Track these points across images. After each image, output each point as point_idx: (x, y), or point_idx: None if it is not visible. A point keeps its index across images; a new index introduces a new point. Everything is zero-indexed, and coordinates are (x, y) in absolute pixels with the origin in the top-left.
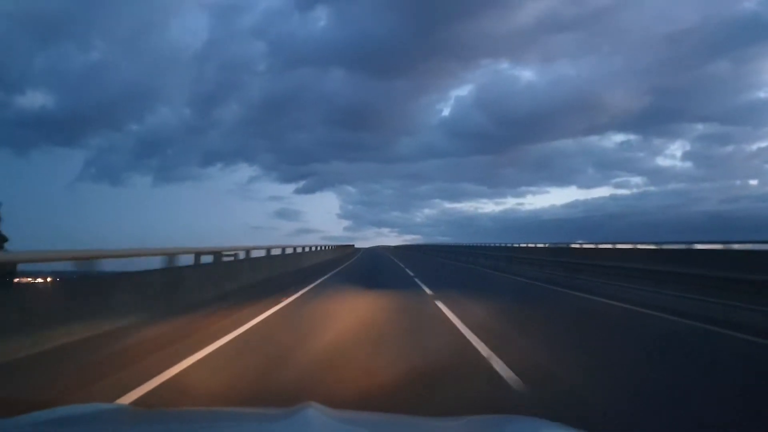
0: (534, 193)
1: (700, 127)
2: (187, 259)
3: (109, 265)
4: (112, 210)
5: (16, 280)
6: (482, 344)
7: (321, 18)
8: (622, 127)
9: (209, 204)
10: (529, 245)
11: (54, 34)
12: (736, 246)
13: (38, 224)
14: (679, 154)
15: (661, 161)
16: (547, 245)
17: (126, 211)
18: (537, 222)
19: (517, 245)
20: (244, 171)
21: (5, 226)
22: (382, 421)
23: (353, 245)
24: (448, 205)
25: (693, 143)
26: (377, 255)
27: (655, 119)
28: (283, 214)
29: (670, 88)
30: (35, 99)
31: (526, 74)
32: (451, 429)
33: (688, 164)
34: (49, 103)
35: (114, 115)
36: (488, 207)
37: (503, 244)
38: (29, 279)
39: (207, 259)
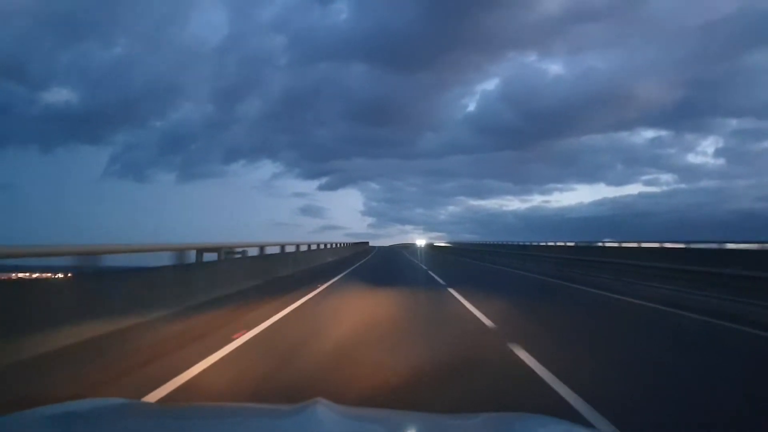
0: (561, 190)
1: (734, 122)
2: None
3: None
4: (137, 206)
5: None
6: None
7: (342, 11)
8: (652, 123)
9: (233, 201)
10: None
11: (76, 30)
12: None
13: (63, 219)
14: (711, 150)
15: (693, 158)
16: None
17: (152, 207)
18: (564, 220)
19: (568, 244)
20: (267, 168)
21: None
22: (391, 418)
23: (368, 242)
24: (473, 202)
25: (727, 139)
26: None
27: (688, 114)
28: (307, 211)
29: (703, 81)
30: (59, 96)
31: (554, 67)
32: (461, 426)
33: (721, 161)
34: (72, 99)
35: (137, 112)
36: (514, 204)
37: (550, 243)
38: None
39: (211, 256)
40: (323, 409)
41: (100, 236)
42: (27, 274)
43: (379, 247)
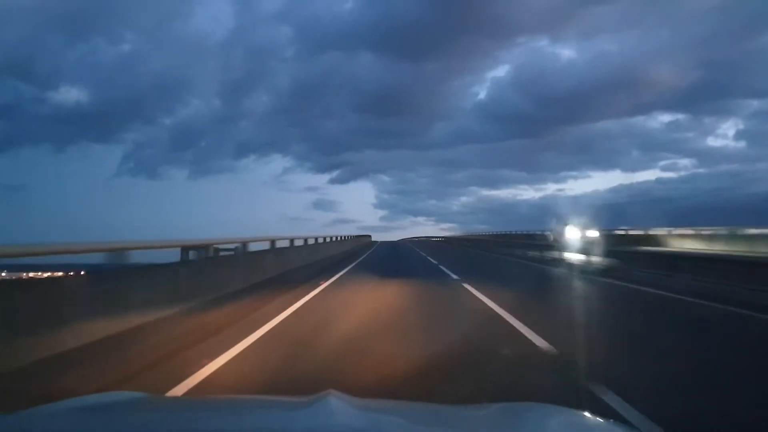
0: (575, 178)
1: (755, 104)
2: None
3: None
4: (151, 203)
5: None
6: None
7: None
8: (669, 106)
9: (246, 196)
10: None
11: (83, 28)
12: None
13: (79, 218)
14: (731, 133)
15: (712, 141)
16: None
17: (165, 204)
18: (579, 208)
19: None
20: (278, 162)
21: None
22: (402, 409)
23: (369, 236)
24: (486, 192)
25: (747, 121)
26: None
27: (706, 96)
28: (319, 205)
29: (721, 62)
30: (69, 95)
31: (566, 51)
32: (472, 416)
33: (742, 144)
34: (81, 98)
35: (146, 109)
36: (528, 193)
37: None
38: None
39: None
40: (335, 401)
41: (115, 234)
42: (39, 273)
43: (381, 244)
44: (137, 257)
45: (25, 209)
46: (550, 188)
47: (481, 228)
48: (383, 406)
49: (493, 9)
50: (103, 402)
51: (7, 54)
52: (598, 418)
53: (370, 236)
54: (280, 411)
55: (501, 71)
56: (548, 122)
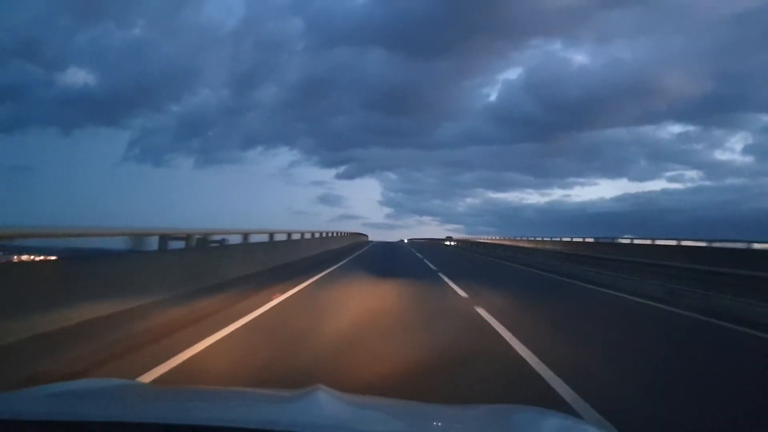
0: (582, 185)
1: (765, 119)
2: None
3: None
4: (156, 190)
5: None
6: None
7: None
8: (679, 117)
9: (252, 187)
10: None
11: (93, 11)
12: None
13: (84, 203)
14: (739, 147)
15: (720, 155)
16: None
17: (170, 191)
18: (584, 215)
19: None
20: (285, 155)
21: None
22: (391, 407)
23: (366, 236)
24: (492, 195)
25: (756, 135)
26: None
27: (716, 108)
28: (325, 200)
29: (734, 74)
30: (77, 78)
31: (579, 56)
32: (461, 416)
33: (750, 158)
34: (90, 81)
35: (154, 96)
36: (534, 198)
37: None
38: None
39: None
40: (324, 396)
41: (116, 219)
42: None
43: (374, 245)
44: (117, 244)
45: (28, 190)
46: (557, 194)
47: (487, 230)
48: (372, 402)
49: (507, 10)
50: (86, 387)
51: (15, 35)
52: (587, 424)
53: (366, 236)
54: (267, 404)
55: (513, 74)
56: (557, 127)
